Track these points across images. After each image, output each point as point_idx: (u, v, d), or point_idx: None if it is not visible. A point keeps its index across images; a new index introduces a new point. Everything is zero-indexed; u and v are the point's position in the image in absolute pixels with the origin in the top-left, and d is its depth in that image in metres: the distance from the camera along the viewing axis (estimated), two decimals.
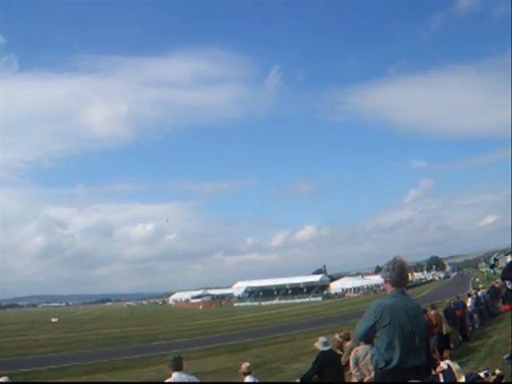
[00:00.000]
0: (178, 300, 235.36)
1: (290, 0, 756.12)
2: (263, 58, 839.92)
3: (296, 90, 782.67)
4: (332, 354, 12.42)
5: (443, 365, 12.56)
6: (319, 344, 12.41)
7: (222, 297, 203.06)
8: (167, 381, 10.05)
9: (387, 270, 6.04)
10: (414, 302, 6.11)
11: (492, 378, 12.64)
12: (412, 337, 5.70)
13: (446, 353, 14.71)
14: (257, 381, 12.23)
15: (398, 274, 5.98)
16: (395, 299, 5.91)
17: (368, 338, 5.96)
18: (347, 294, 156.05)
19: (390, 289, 6.07)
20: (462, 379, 12.42)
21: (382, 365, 5.72)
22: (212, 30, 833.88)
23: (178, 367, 10.22)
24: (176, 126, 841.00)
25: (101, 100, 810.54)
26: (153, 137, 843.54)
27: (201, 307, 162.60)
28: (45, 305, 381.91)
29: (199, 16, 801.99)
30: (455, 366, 12.98)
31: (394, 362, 5.62)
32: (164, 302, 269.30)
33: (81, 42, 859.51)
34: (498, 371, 12.95)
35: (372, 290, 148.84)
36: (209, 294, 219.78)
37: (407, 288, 6.49)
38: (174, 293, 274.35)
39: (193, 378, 10.29)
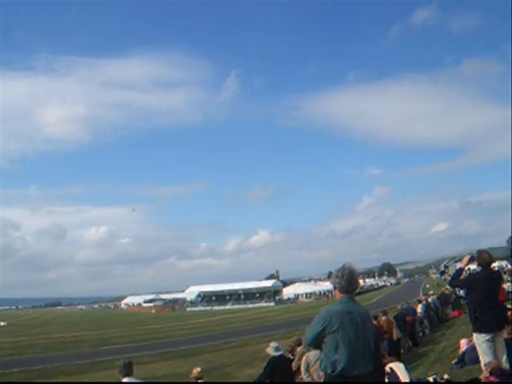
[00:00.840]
0: (130, 304, 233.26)
1: (250, 7, 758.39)
2: (222, 63, 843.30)
3: (253, 95, 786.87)
4: (283, 359, 12.46)
5: (387, 368, 12.69)
6: (271, 349, 12.43)
7: (175, 301, 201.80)
8: None
9: (336, 277, 6.11)
10: (362, 309, 6.18)
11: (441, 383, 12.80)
12: (360, 343, 5.76)
13: (388, 358, 14.87)
14: None
15: (347, 280, 6.05)
16: (344, 305, 5.96)
17: (317, 343, 6.00)
18: (299, 300, 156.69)
19: (338, 295, 6.14)
20: (406, 379, 12.53)
21: (329, 370, 5.76)
22: (172, 33, 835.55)
23: (128, 372, 10.16)
24: (132, 129, 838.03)
25: (57, 100, 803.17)
26: (108, 139, 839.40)
27: (153, 311, 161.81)
28: None
29: (159, 19, 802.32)
30: (399, 367, 13.10)
31: (342, 368, 5.67)
32: (116, 306, 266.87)
33: (39, 41, 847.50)
34: (446, 376, 13.10)
35: (324, 295, 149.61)
36: (161, 299, 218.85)
37: (356, 294, 6.56)
38: (126, 297, 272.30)
39: None
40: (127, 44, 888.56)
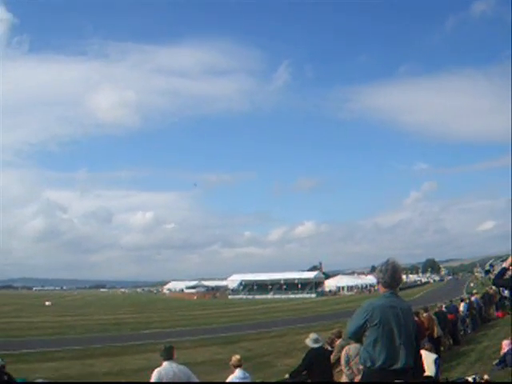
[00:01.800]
0: (173, 289, 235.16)
1: None
2: (273, 53, 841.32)
3: (304, 85, 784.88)
4: (322, 351, 12.48)
5: None
6: (310, 341, 12.47)
7: (217, 288, 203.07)
8: (157, 370, 10.08)
9: (380, 271, 6.12)
10: (404, 304, 6.17)
11: None
12: (401, 338, 5.77)
13: (426, 345, 14.78)
14: (246, 375, 12.26)
15: (390, 275, 6.05)
16: (386, 300, 5.99)
17: (357, 336, 6.04)
18: (341, 292, 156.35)
19: (382, 289, 6.16)
20: (431, 372, 12.43)
21: (369, 364, 5.78)
22: (224, 22, 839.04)
23: (168, 356, 10.27)
24: (182, 116, 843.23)
25: (108, 85, 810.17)
26: (158, 125, 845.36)
27: (195, 298, 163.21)
28: (39, 288, 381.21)
29: (212, 7, 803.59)
30: (429, 357, 13.00)
31: (381, 362, 5.68)
32: (158, 290, 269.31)
33: (92, 27, 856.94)
34: (486, 377, 13.00)
35: (366, 289, 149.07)
36: (203, 285, 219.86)
37: (400, 289, 6.56)
38: (168, 282, 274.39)
39: (183, 368, 10.33)
40: (179, 31, 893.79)
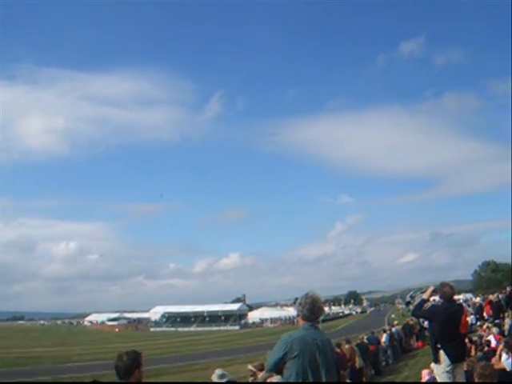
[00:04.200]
0: (94, 321, 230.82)
1: (235, 27, 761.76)
2: (206, 84, 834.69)
3: (234, 117, 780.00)
4: None
5: None
6: (215, 376, 12.18)
7: (139, 321, 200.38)
8: None
9: (299, 305, 6.23)
10: (324, 336, 6.25)
11: None
12: (320, 369, 5.82)
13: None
14: None
15: (309, 309, 6.15)
16: (306, 332, 6.05)
17: (278, 368, 6.05)
18: (265, 324, 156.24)
19: (301, 322, 6.24)
20: None
21: None
22: (156, 51, 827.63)
23: None
24: (110, 145, 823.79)
25: (36, 112, 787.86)
26: (86, 153, 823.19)
27: (116, 330, 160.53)
28: None
29: (143, 36, 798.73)
30: None
31: None
32: (79, 322, 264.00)
33: (23, 51, 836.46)
34: None
35: (290, 321, 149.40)
36: (125, 318, 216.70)
37: (323, 321, 6.66)
38: (90, 314, 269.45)
39: None
40: (109, 60, 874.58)
